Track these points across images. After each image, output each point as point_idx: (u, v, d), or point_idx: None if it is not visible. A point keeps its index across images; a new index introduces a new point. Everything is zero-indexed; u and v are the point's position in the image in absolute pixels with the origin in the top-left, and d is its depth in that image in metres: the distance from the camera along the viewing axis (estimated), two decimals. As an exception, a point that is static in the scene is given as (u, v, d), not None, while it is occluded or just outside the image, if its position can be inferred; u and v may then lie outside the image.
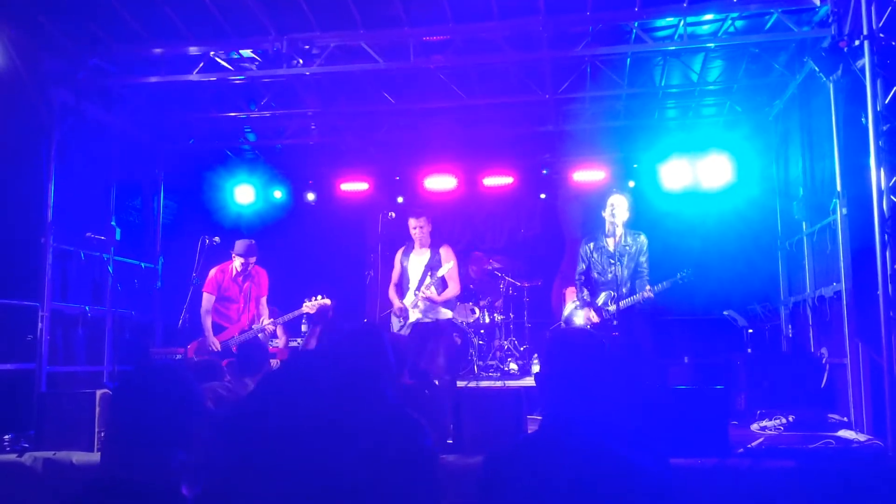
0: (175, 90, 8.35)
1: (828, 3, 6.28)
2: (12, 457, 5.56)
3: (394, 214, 7.69)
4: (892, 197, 5.42)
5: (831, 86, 6.50)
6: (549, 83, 8.28)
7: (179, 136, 9.74)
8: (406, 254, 7.30)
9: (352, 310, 9.56)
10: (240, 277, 7.50)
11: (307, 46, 7.28)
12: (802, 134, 7.88)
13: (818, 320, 7.56)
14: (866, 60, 5.57)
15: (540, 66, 8.06)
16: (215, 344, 7.28)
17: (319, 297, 7.51)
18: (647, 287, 6.63)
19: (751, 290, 8.99)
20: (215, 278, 7.47)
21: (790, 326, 8.68)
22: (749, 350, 8.26)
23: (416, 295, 7.04)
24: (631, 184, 10.03)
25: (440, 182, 10.45)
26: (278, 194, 11.02)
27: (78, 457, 5.46)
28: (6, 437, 6.18)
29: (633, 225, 6.97)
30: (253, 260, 7.51)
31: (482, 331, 9.57)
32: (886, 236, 5.37)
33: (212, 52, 7.46)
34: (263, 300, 7.65)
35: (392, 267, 7.62)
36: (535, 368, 8.80)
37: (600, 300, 6.88)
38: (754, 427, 6.42)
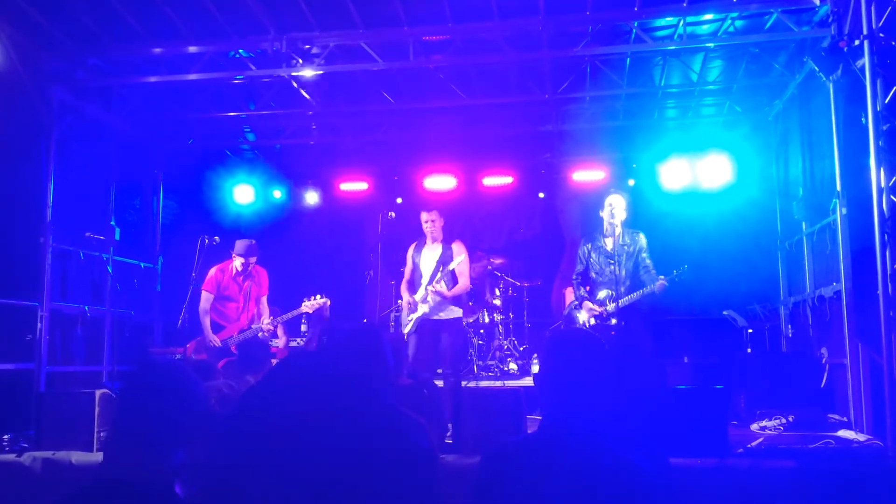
0: (174, 90, 8.35)
1: (827, 2, 6.28)
2: (11, 457, 5.56)
3: (393, 214, 7.67)
4: (891, 197, 5.42)
5: (831, 86, 6.49)
6: (548, 83, 8.28)
7: (179, 136, 9.73)
8: (418, 249, 7.19)
9: (351, 310, 9.55)
10: (240, 277, 7.49)
11: (307, 46, 7.28)
12: (802, 134, 7.88)
13: (818, 320, 7.55)
14: (866, 60, 5.57)
15: (539, 66, 8.06)
16: (214, 340, 7.27)
17: (318, 296, 7.50)
18: (661, 277, 6.57)
19: (750, 290, 8.98)
20: (215, 277, 7.47)
21: (790, 326, 8.68)
22: (749, 350, 8.25)
23: (426, 290, 6.91)
24: (631, 182, 10.03)
25: (440, 182, 10.44)
26: (278, 194, 11.01)
27: (77, 457, 5.46)
28: (5, 436, 6.18)
29: (632, 225, 6.96)
30: (253, 260, 7.51)
31: (482, 330, 9.57)
32: (886, 236, 5.37)
33: (211, 52, 7.46)
34: (264, 300, 7.64)
35: (391, 265, 7.59)
36: (535, 368, 8.80)
37: (600, 298, 6.87)
38: (754, 427, 6.42)
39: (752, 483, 4.66)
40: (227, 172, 10.82)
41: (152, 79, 7.72)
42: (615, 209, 6.79)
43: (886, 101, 5.51)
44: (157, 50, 7.42)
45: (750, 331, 8.35)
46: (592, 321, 6.88)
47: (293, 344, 8.71)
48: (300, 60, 7.40)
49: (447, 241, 7.10)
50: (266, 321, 7.48)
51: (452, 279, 6.96)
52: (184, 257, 7.97)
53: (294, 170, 11.04)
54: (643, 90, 8.73)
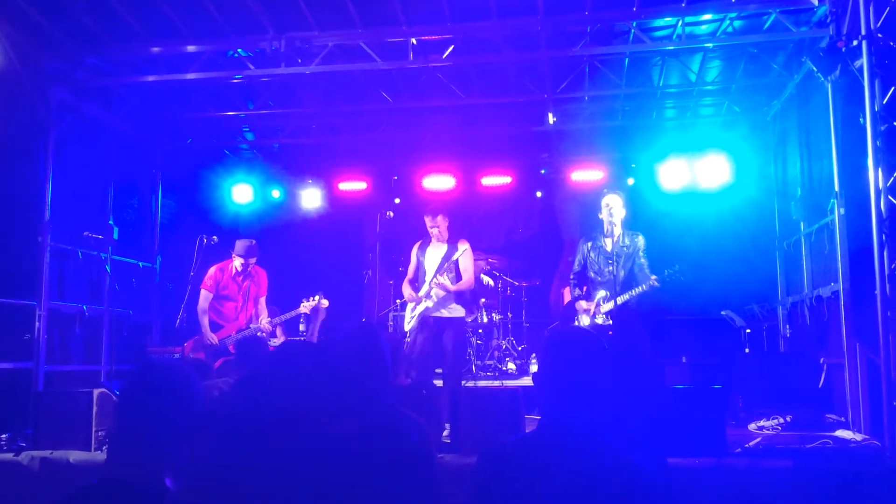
0: (173, 89, 8.34)
1: (826, 3, 6.28)
2: (9, 456, 5.55)
3: (392, 214, 7.66)
4: (889, 197, 5.42)
5: (829, 86, 6.50)
6: (547, 83, 8.29)
7: (177, 135, 9.73)
8: (422, 248, 7.13)
9: (350, 309, 9.56)
10: (239, 277, 7.49)
11: (306, 46, 7.28)
12: (800, 134, 7.89)
13: (816, 320, 7.56)
14: (864, 60, 5.58)
15: (538, 66, 8.06)
16: (213, 339, 7.27)
17: (317, 296, 7.50)
18: (653, 276, 6.57)
19: (749, 290, 8.99)
20: (214, 276, 7.47)
21: (788, 326, 8.69)
22: (747, 350, 8.26)
23: (430, 284, 6.85)
24: (630, 181, 10.03)
25: (438, 182, 10.44)
26: (276, 193, 11.01)
27: (75, 456, 5.46)
28: (3, 436, 6.18)
29: (630, 225, 6.96)
30: (253, 261, 7.51)
31: (480, 330, 9.57)
32: (884, 236, 5.38)
33: (210, 51, 7.46)
34: (262, 300, 7.65)
35: (389, 265, 7.57)
36: (534, 368, 8.81)
37: (596, 298, 6.87)
38: (752, 427, 6.43)
39: (750, 483, 4.67)
40: (226, 172, 10.82)
41: (151, 78, 7.72)
42: (613, 209, 6.78)
43: (885, 102, 5.52)
44: (156, 49, 7.42)
45: (748, 331, 8.36)
46: (586, 319, 6.87)
47: (292, 343, 8.71)
48: (299, 60, 7.40)
49: (452, 241, 7.04)
50: (264, 321, 7.48)
51: (456, 275, 6.91)
52: (182, 257, 7.97)
53: (293, 169, 11.04)
54: (642, 90, 8.73)
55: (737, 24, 7.10)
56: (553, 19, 6.94)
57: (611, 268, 6.67)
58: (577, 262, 7.09)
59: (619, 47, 7.46)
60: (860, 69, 5.66)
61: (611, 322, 6.65)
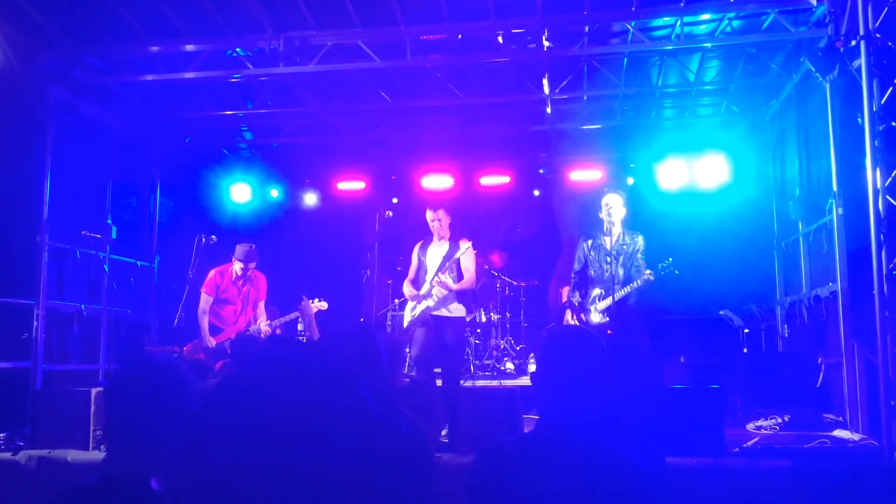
0: (172, 88, 8.33)
1: (824, 3, 6.28)
2: (7, 455, 5.56)
3: (391, 213, 7.65)
4: (887, 197, 5.43)
5: (828, 86, 6.51)
6: (545, 82, 8.28)
7: (176, 135, 9.72)
8: (424, 248, 7.07)
9: (348, 309, 9.55)
10: (239, 281, 7.50)
11: (304, 45, 7.28)
12: (799, 134, 7.89)
13: (814, 320, 7.57)
14: (862, 61, 5.59)
15: (537, 66, 8.06)
16: (211, 342, 7.28)
17: (317, 300, 7.51)
18: (648, 271, 6.56)
19: (747, 289, 9.00)
20: (214, 280, 7.47)
21: (786, 326, 8.69)
22: (745, 350, 8.27)
23: (431, 283, 6.78)
24: (630, 180, 10.04)
25: (437, 181, 10.44)
26: (275, 193, 11.01)
27: (73, 455, 5.46)
28: (1, 435, 6.18)
29: (629, 225, 6.96)
30: (252, 265, 7.51)
31: (478, 330, 9.58)
32: (882, 236, 5.39)
33: (208, 50, 7.46)
34: (261, 304, 7.66)
35: (388, 265, 7.55)
36: (532, 368, 8.81)
37: (592, 298, 6.86)
38: (750, 426, 6.43)
39: (748, 482, 4.67)
40: (224, 171, 10.82)
41: (149, 77, 7.71)
42: (612, 208, 6.78)
43: (882, 102, 5.52)
44: (155, 48, 7.41)
45: (746, 330, 8.37)
46: (573, 322, 6.86)
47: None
48: (298, 59, 7.40)
49: (454, 239, 6.97)
50: (263, 324, 7.49)
51: (458, 274, 6.86)
52: (180, 256, 7.96)
53: (291, 169, 11.04)
54: (640, 90, 8.73)
55: (735, 23, 7.11)
56: (551, 19, 6.94)
57: (610, 266, 6.68)
58: (577, 261, 7.09)
59: (618, 47, 7.46)
60: (858, 69, 5.67)
61: (608, 320, 6.65)
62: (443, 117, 9.45)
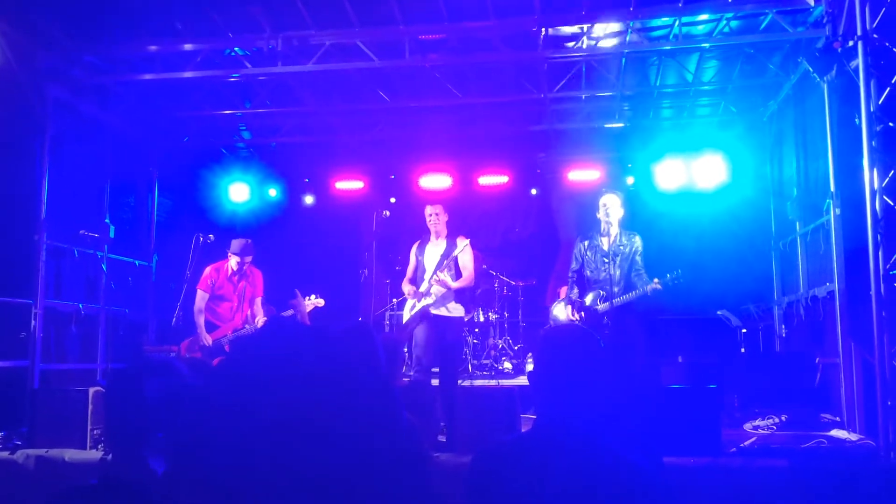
0: (170, 87, 8.33)
1: (822, 3, 6.30)
2: (5, 454, 5.56)
3: (388, 213, 7.65)
4: (884, 197, 5.44)
5: (825, 86, 6.52)
6: (544, 82, 8.29)
7: (174, 134, 9.71)
8: (421, 247, 7.04)
9: (346, 308, 9.55)
10: (235, 276, 7.49)
11: (303, 44, 7.28)
12: (796, 134, 7.91)
13: (811, 320, 7.58)
14: (860, 61, 5.60)
15: (535, 66, 8.06)
16: (207, 340, 7.28)
17: (313, 296, 7.50)
18: (656, 280, 6.55)
19: (744, 290, 9.01)
20: (209, 276, 7.46)
21: (783, 326, 8.71)
22: (742, 350, 8.28)
23: (430, 281, 6.74)
24: (630, 180, 10.05)
25: (435, 181, 10.44)
26: (273, 192, 11.01)
27: (70, 454, 5.46)
28: (-1, 434, 6.18)
29: (627, 225, 6.96)
30: (249, 259, 7.50)
31: (476, 329, 9.58)
32: (879, 236, 5.40)
33: (207, 50, 7.46)
34: (258, 300, 7.64)
35: (386, 264, 7.53)
36: (530, 367, 8.81)
37: (588, 299, 6.86)
38: (747, 426, 6.44)
39: (745, 482, 4.68)
40: (223, 170, 10.81)
41: (147, 76, 7.71)
42: (610, 209, 6.79)
43: (880, 102, 5.54)
44: (153, 48, 7.41)
45: (744, 330, 8.38)
46: (574, 316, 6.85)
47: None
48: (296, 59, 7.39)
49: (451, 237, 6.96)
50: (260, 321, 7.48)
51: (456, 272, 6.83)
52: (178, 255, 7.96)
53: (289, 168, 11.04)
54: (638, 90, 8.74)
55: (733, 24, 7.11)
56: (550, 19, 6.95)
57: (607, 267, 6.68)
58: (574, 261, 7.10)
59: (616, 47, 7.46)
60: (856, 69, 5.68)
61: (607, 321, 6.65)
62: (441, 117, 9.45)
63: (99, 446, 5.60)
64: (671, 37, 7.17)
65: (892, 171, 5.49)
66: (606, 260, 6.71)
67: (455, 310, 6.80)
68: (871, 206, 5.45)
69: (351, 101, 8.91)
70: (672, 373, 7.82)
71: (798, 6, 6.59)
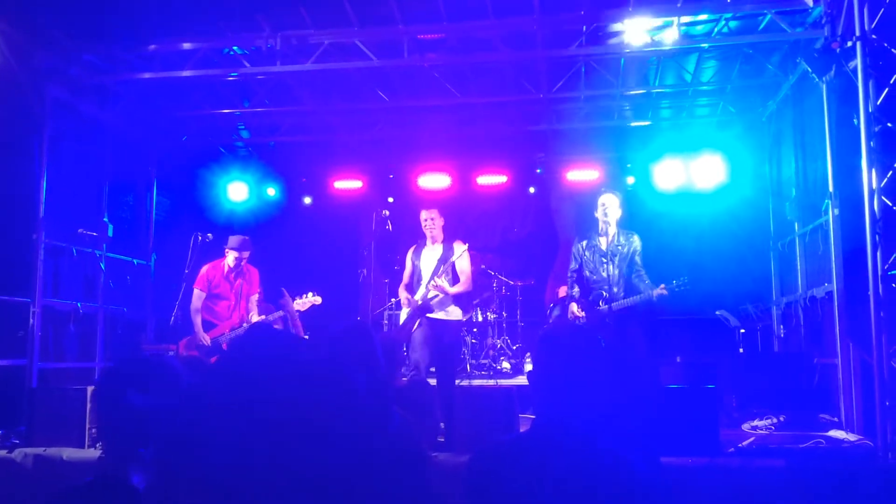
0: (168, 86, 8.32)
1: (821, 4, 6.30)
2: (3, 453, 5.55)
3: (388, 212, 7.63)
4: (883, 198, 5.45)
5: (824, 87, 6.52)
6: (543, 82, 8.29)
7: (172, 133, 9.70)
8: (417, 252, 6.96)
9: (345, 308, 9.55)
10: (231, 275, 7.48)
11: (301, 44, 7.27)
12: (795, 134, 7.91)
13: (810, 321, 7.58)
14: (858, 61, 5.61)
15: (534, 65, 8.06)
16: (205, 339, 7.27)
17: (310, 294, 7.47)
18: (662, 285, 6.53)
19: (743, 290, 9.01)
20: (206, 275, 7.46)
21: (782, 327, 8.71)
22: (741, 350, 8.28)
23: (427, 287, 6.67)
24: (630, 180, 10.05)
25: (434, 180, 10.44)
26: (272, 191, 11.00)
27: (68, 453, 5.46)
28: (-3, 433, 6.17)
29: (626, 225, 6.96)
30: (246, 255, 7.49)
31: (475, 329, 9.58)
32: (877, 237, 5.40)
33: (205, 49, 7.45)
34: (254, 299, 7.63)
35: (385, 264, 7.50)
36: (528, 367, 8.81)
37: (592, 299, 6.88)
38: (745, 426, 6.45)
39: (743, 482, 4.68)
40: (221, 170, 10.80)
41: (146, 75, 7.70)
42: (608, 209, 6.79)
43: (878, 103, 5.54)
44: (152, 47, 7.40)
45: (742, 331, 8.38)
46: (579, 312, 6.85)
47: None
48: (295, 58, 7.39)
49: (448, 241, 6.88)
50: (254, 318, 7.47)
51: (454, 277, 6.75)
52: (177, 254, 7.96)
53: (288, 167, 11.03)
54: (637, 90, 8.74)
55: (732, 24, 7.11)
56: (549, 18, 6.95)
57: (605, 267, 6.68)
58: (573, 260, 7.09)
59: (615, 47, 7.46)
60: (854, 70, 5.69)
61: (607, 321, 6.65)
62: (440, 116, 9.45)
63: (97, 445, 5.60)
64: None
65: (891, 172, 5.49)
66: (605, 260, 6.71)
67: (453, 312, 6.76)
68: (870, 206, 5.45)
69: (350, 100, 8.90)
70: (670, 373, 7.81)
71: (797, 7, 6.59)
